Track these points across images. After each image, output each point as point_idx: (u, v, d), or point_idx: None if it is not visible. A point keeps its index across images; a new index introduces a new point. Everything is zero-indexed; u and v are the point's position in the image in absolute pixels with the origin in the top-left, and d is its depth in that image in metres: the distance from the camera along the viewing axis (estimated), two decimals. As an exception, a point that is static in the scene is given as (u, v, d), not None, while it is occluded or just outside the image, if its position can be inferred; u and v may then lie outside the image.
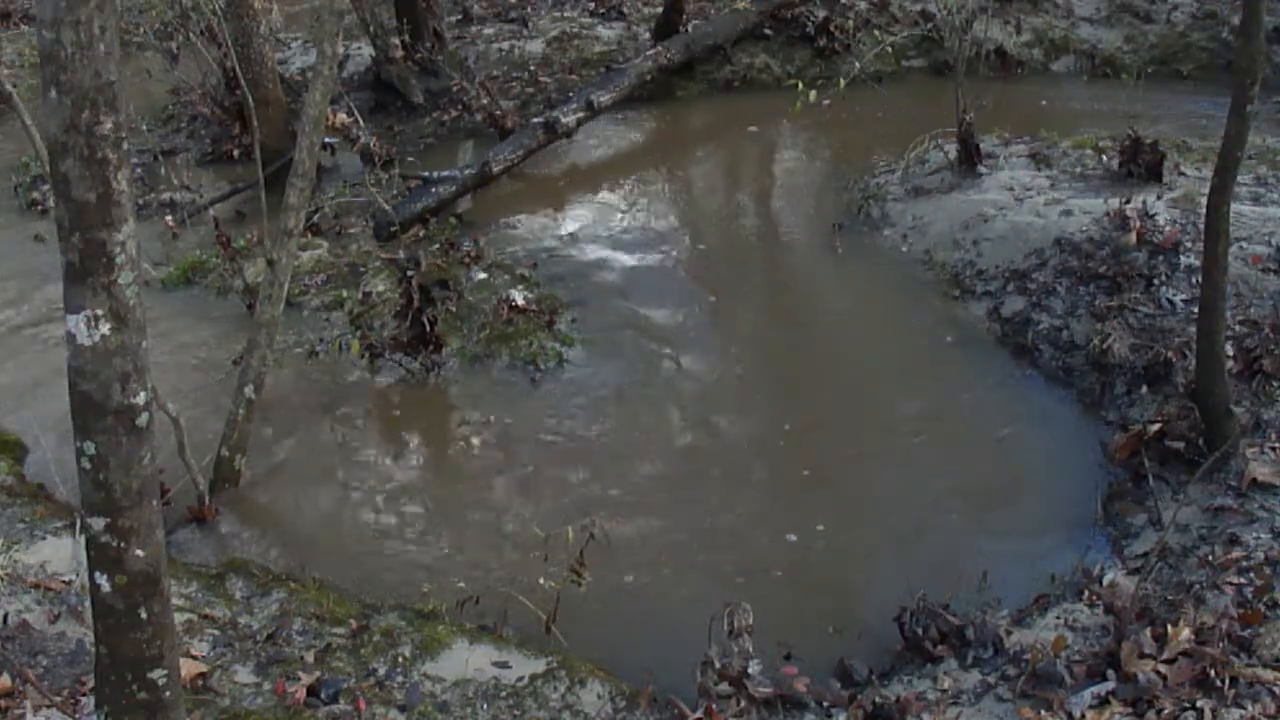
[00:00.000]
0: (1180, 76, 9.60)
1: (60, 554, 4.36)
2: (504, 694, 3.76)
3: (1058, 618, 3.98)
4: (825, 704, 3.70)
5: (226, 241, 6.56)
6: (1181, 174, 6.81)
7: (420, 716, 3.65)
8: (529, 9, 11.08)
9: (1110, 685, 3.48)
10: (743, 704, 3.62)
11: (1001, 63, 9.76)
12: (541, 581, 4.16)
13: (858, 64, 8.13)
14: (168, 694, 2.68)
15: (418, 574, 4.54)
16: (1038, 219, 6.49)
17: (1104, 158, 7.14)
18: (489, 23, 10.88)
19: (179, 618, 3.88)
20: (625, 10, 10.90)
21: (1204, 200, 4.62)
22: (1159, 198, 6.38)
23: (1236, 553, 4.04)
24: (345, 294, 6.65)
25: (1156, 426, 4.79)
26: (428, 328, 5.90)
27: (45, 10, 2.23)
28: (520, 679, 3.83)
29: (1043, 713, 3.46)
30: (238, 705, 3.67)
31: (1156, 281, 5.74)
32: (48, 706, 3.44)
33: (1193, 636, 3.56)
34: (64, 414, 2.66)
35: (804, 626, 4.16)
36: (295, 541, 4.80)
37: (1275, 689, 3.36)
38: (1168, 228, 6.01)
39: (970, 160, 7.27)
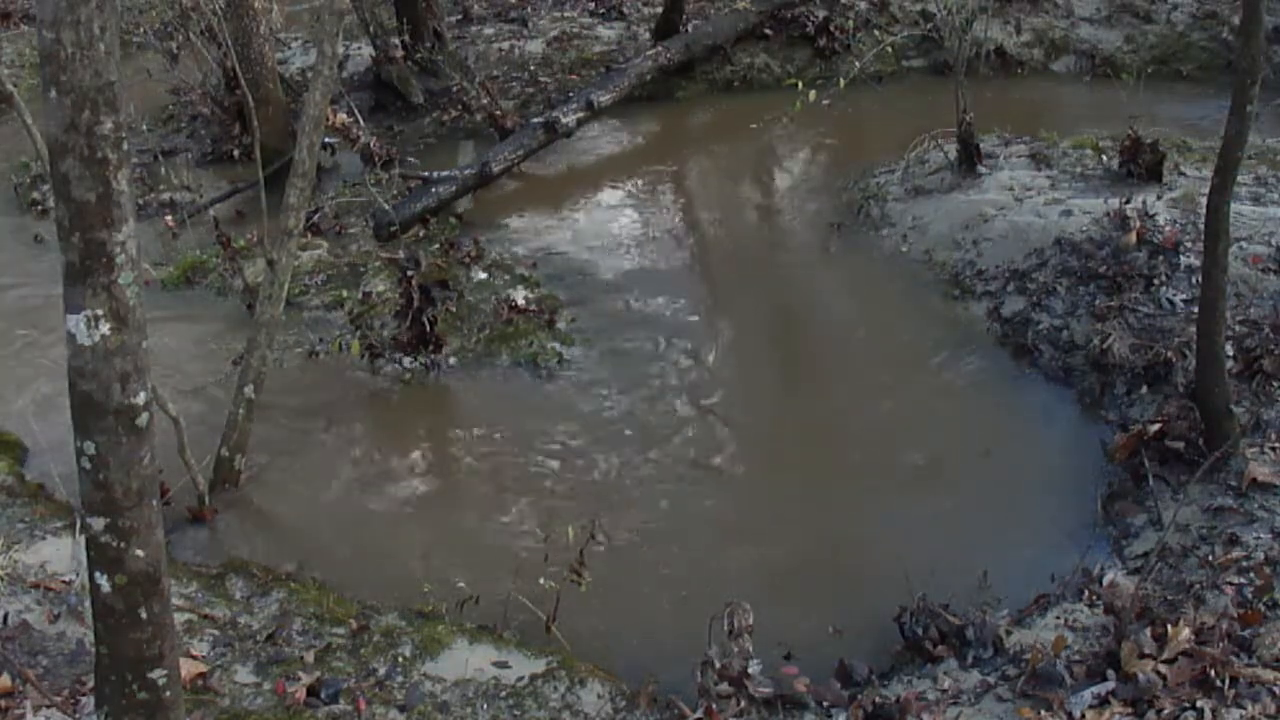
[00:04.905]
0: (1180, 76, 9.60)
1: (60, 554, 4.36)
2: (504, 694, 3.76)
3: (1058, 618, 3.98)
4: (825, 704, 3.69)
5: (226, 241, 6.56)
6: (1181, 174, 6.81)
7: (420, 716, 3.65)
8: (529, 9, 11.07)
9: (1110, 685, 3.48)
10: (743, 704, 3.62)
11: (1001, 63, 9.76)
12: (541, 581, 4.16)
13: (858, 64, 8.12)
14: (168, 694, 2.68)
15: (418, 574, 4.53)
16: (1038, 219, 6.48)
17: (1104, 158, 7.14)
18: (489, 23, 10.88)
19: (179, 618, 3.88)
20: (625, 10, 10.90)
21: (1204, 200, 4.61)
22: (1159, 198, 6.38)
23: (1236, 553, 4.04)
24: (345, 294, 6.65)
25: (1156, 426, 4.79)
26: (428, 328, 5.90)
27: (45, 10, 2.23)
28: (520, 679, 3.83)
29: (1043, 713, 3.45)
30: (238, 705, 3.67)
31: (1156, 281, 5.73)
32: (48, 706, 3.44)
33: (1193, 636, 3.55)
34: (64, 414, 2.66)
35: (804, 626, 4.16)
36: (295, 541, 4.80)
37: (1275, 689, 3.36)
38: (1168, 228, 6.01)
39: (970, 160, 7.26)
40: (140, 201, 7.86)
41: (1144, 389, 5.26)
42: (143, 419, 2.48)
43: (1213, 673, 3.42)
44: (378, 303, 6.47)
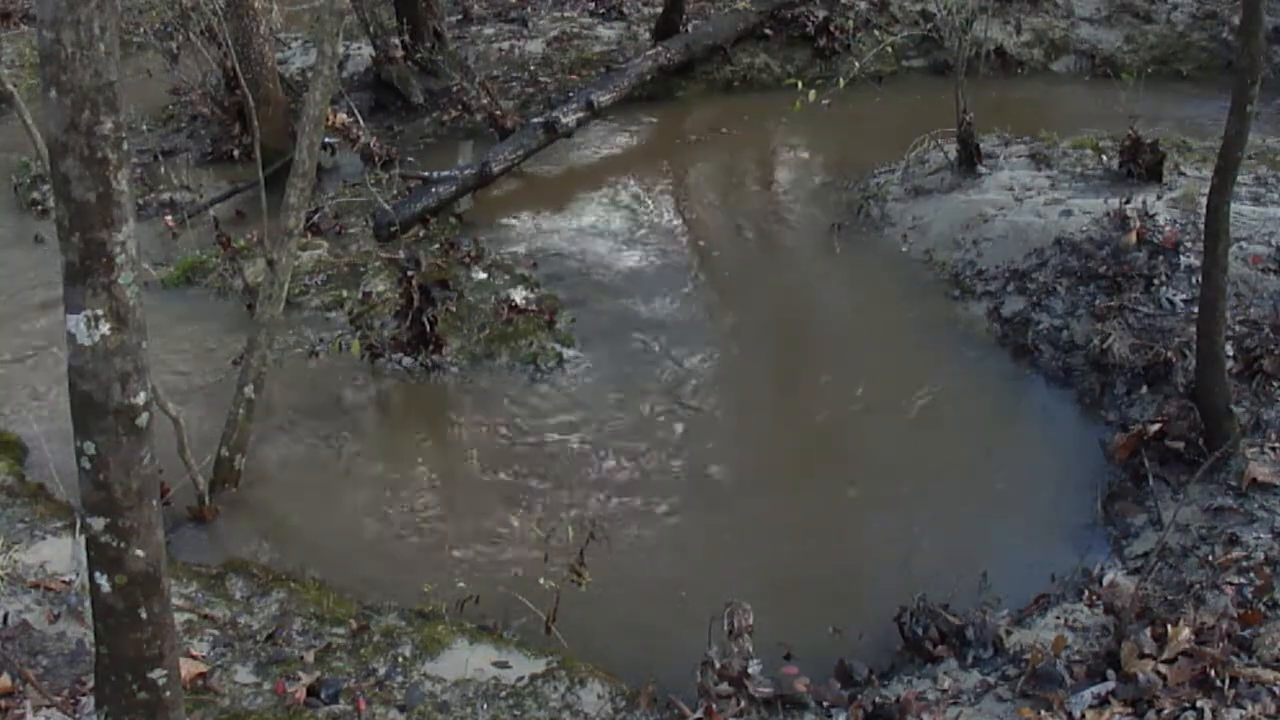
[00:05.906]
0: (1180, 76, 9.61)
1: (60, 554, 4.36)
2: (504, 694, 3.76)
3: (1058, 618, 3.98)
4: (825, 704, 3.69)
5: (226, 241, 6.56)
6: (1181, 174, 6.82)
7: (420, 716, 3.65)
8: (529, 9, 11.08)
9: (1110, 685, 3.48)
10: (743, 704, 3.62)
11: (1001, 63, 9.77)
12: (541, 581, 4.16)
13: (858, 64, 8.12)
14: (168, 694, 2.68)
15: (418, 574, 4.53)
16: (1038, 219, 6.48)
17: (1104, 158, 7.14)
18: (489, 23, 10.88)
19: (179, 618, 3.88)
20: (625, 10, 10.91)
21: (1204, 200, 4.62)
22: (1159, 198, 6.38)
23: (1236, 553, 4.04)
24: (345, 294, 6.65)
25: (1156, 426, 4.79)
26: (428, 328, 5.90)
27: (45, 10, 2.23)
28: (520, 679, 3.83)
29: (1043, 713, 3.45)
30: (238, 705, 3.67)
31: (1156, 281, 5.73)
32: (48, 706, 3.44)
33: (1193, 636, 3.55)
34: (64, 414, 2.66)
35: (804, 626, 4.16)
36: (295, 541, 4.80)
37: (1275, 689, 3.36)
38: (1168, 228, 6.01)
39: (970, 160, 7.26)
40: (140, 201, 7.86)
41: (1144, 389, 5.26)
42: (143, 419, 2.48)
43: (1213, 673, 3.42)
44: (378, 303, 6.47)
